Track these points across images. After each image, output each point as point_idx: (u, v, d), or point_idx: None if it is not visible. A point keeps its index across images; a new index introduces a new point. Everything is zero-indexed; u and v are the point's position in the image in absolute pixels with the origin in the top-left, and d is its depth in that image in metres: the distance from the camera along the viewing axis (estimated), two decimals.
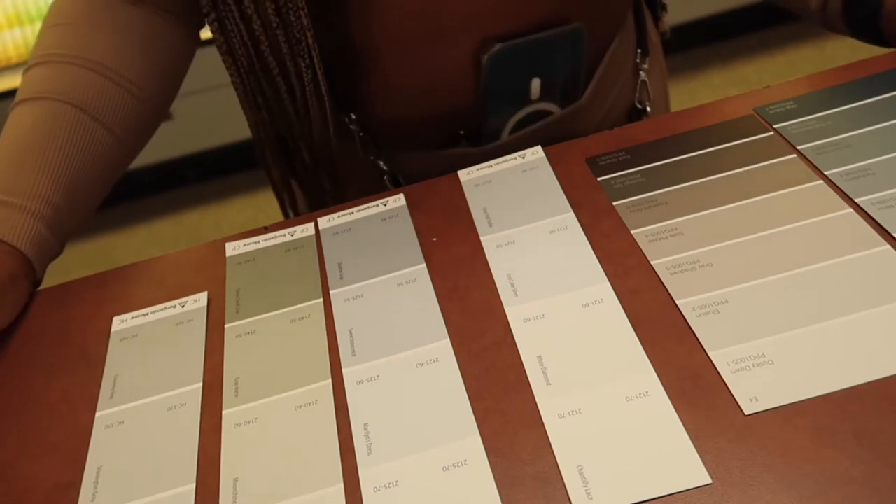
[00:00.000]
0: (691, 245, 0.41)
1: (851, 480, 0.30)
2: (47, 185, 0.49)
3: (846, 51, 2.02)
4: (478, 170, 0.51)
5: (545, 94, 0.55)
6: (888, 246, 0.38)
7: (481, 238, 0.45)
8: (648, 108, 0.63)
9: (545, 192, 0.47)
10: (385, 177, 0.60)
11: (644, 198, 0.45)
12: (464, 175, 0.51)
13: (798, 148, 0.46)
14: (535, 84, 0.54)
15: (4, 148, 0.50)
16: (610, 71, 0.59)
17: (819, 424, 0.32)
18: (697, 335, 0.37)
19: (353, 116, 0.58)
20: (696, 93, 1.92)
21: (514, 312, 0.40)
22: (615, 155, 0.49)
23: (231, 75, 0.54)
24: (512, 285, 0.42)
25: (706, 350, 0.36)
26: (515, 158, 0.50)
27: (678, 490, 0.31)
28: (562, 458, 0.33)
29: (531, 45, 0.51)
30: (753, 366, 0.35)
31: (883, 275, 0.37)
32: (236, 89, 0.55)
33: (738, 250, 0.40)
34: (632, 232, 0.43)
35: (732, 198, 0.44)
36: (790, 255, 0.39)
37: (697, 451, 0.32)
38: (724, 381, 0.34)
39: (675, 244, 0.42)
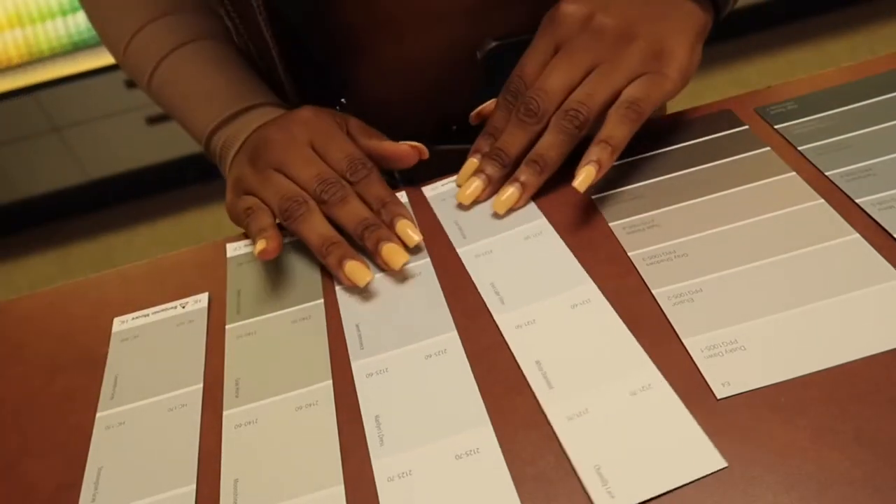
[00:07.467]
0: (667, 236, 0.42)
1: (852, 481, 0.30)
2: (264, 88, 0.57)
3: (846, 51, 2.03)
4: (442, 185, 0.51)
5: None
6: (857, 235, 0.39)
7: (458, 250, 0.45)
8: None
9: None
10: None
11: (621, 191, 0.46)
12: (428, 191, 0.51)
13: (799, 148, 0.46)
14: None
15: (199, 77, 0.56)
16: None
17: (819, 424, 0.32)
18: (672, 323, 0.37)
19: (344, 101, 0.59)
20: (697, 93, 1.91)
21: (505, 320, 0.40)
22: None
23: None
24: (497, 293, 0.42)
25: (680, 337, 0.36)
26: None
27: (693, 479, 0.30)
28: (572, 457, 0.33)
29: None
30: (726, 352, 0.35)
31: (851, 263, 0.38)
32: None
33: (712, 241, 0.41)
34: (609, 224, 0.44)
35: (708, 190, 0.44)
36: (763, 244, 0.40)
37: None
38: (697, 366, 0.35)
39: (652, 236, 0.42)
